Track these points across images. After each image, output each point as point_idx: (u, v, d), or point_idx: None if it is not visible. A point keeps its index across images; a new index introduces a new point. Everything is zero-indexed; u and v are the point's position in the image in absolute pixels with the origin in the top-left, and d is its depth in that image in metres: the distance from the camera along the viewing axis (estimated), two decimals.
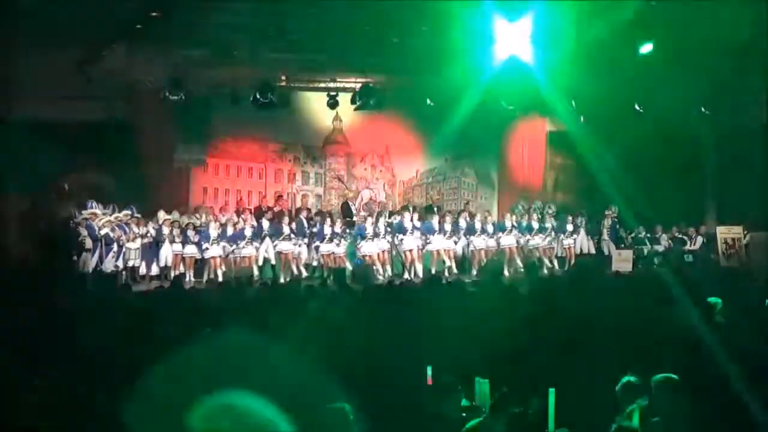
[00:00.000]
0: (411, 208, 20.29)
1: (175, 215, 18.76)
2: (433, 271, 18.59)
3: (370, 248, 18.65)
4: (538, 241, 19.92)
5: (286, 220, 18.60)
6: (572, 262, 20.26)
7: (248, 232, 18.25)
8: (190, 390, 3.61)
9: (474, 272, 19.10)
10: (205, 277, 17.73)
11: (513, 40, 17.29)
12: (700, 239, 21.29)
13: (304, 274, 18.25)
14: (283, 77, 18.30)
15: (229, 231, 18.16)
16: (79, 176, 19.18)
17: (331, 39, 15.80)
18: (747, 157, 22.49)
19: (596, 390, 6.34)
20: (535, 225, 19.94)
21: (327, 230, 18.55)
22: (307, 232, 18.65)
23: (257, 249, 18.26)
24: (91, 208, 18.13)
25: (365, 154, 21.68)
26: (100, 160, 19.44)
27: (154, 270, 18.09)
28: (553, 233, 20.15)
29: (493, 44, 17.40)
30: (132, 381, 6.16)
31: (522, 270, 19.47)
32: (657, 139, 20.52)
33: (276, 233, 18.35)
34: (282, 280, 17.65)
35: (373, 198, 21.31)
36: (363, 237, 18.71)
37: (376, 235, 18.67)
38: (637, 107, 19.75)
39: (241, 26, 14.61)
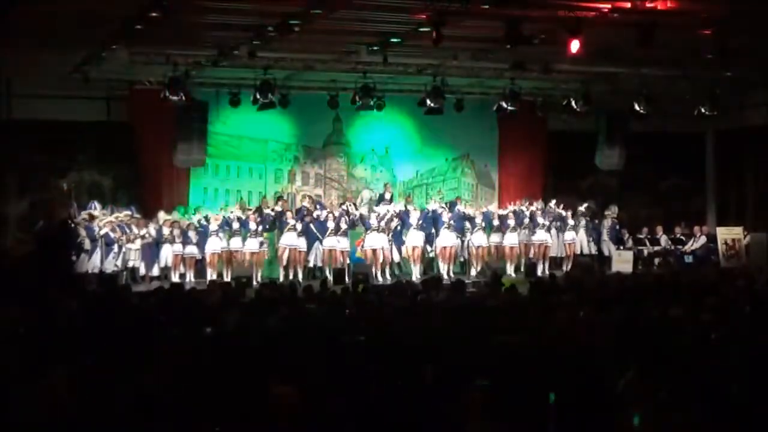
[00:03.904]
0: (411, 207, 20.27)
1: (175, 215, 18.73)
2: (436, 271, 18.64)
3: (374, 240, 18.65)
4: (543, 235, 19.86)
5: (290, 213, 18.69)
6: (571, 261, 20.23)
7: (252, 226, 18.22)
8: None
9: (473, 272, 19.15)
10: (208, 277, 17.66)
11: None
12: (702, 239, 21.24)
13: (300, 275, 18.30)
14: (283, 77, 18.27)
15: (234, 226, 18.19)
16: (79, 176, 19.18)
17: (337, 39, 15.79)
18: (747, 158, 22.49)
19: None
20: (541, 221, 19.90)
21: (330, 224, 18.60)
22: (310, 225, 18.66)
23: (261, 244, 18.23)
24: (91, 208, 18.13)
25: (365, 154, 21.65)
26: (100, 160, 19.45)
27: (155, 271, 18.07)
28: (553, 230, 20.12)
29: None
30: (131, 381, 6.17)
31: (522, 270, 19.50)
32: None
33: (282, 226, 18.41)
34: (282, 280, 17.62)
35: (373, 198, 21.26)
36: (368, 228, 18.76)
37: (380, 227, 18.71)
38: (637, 107, 19.68)
39: (241, 26, 14.57)
